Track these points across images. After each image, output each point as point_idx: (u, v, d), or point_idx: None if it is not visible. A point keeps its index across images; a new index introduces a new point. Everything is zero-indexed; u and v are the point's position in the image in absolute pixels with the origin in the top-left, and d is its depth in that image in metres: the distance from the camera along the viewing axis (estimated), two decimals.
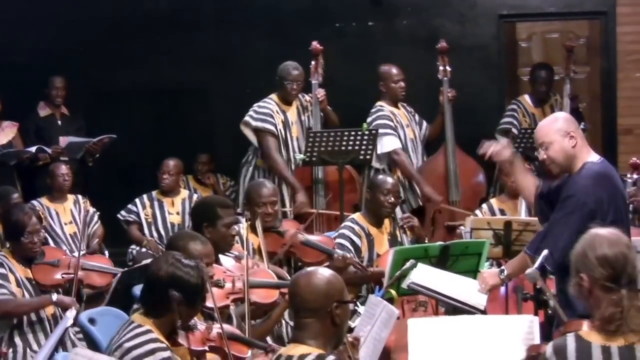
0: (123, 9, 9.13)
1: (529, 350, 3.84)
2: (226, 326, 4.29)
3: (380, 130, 7.53)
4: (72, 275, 5.69)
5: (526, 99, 8.31)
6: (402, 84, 7.72)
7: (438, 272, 4.98)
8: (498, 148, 5.06)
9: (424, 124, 7.95)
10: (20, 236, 5.48)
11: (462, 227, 6.18)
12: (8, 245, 5.61)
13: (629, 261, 3.37)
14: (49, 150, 7.76)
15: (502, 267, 4.90)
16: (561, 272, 4.41)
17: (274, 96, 7.61)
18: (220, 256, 5.08)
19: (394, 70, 7.74)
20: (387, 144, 7.58)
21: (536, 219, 5.41)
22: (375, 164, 7.60)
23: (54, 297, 5.42)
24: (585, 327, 3.45)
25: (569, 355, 3.31)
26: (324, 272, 3.54)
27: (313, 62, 7.73)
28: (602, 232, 3.48)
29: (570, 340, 3.35)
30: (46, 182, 7.46)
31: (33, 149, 7.71)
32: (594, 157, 4.70)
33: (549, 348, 3.37)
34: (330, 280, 3.50)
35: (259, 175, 7.49)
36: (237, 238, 5.42)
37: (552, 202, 4.78)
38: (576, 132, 4.67)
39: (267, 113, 7.51)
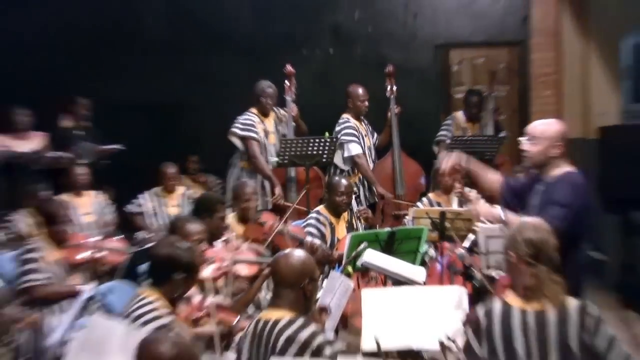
0: (125, 34, 9.09)
1: (467, 317, 3.80)
2: (217, 297, 4.47)
3: (347, 138, 7.50)
4: (95, 255, 5.69)
5: (459, 114, 8.29)
6: (366, 103, 7.63)
7: (386, 256, 4.98)
8: (454, 158, 4.92)
9: (375, 134, 7.94)
10: (56, 224, 5.52)
11: (406, 217, 6.20)
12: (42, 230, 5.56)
13: (549, 244, 3.43)
14: (71, 155, 7.70)
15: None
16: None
17: (254, 110, 7.59)
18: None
19: (360, 91, 7.64)
20: (352, 149, 7.54)
21: (466, 209, 5.47)
22: (341, 165, 7.56)
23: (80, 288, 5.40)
24: (510, 295, 3.49)
25: (494, 316, 3.39)
26: (300, 254, 3.64)
27: (287, 82, 7.63)
28: (529, 219, 3.58)
29: (497, 304, 3.42)
30: (67, 180, 7.38)
31: (55, 154, 7.65)
32: (572, 167, 4.49)
33: (480, 311, 3.43)
34: (304, 261, 3.62)
35: (242, 175, 7.48)
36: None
37: (518, 194, 4.64)
38: (562, 144, 4.47)
39: (251, 124, 7.51)
